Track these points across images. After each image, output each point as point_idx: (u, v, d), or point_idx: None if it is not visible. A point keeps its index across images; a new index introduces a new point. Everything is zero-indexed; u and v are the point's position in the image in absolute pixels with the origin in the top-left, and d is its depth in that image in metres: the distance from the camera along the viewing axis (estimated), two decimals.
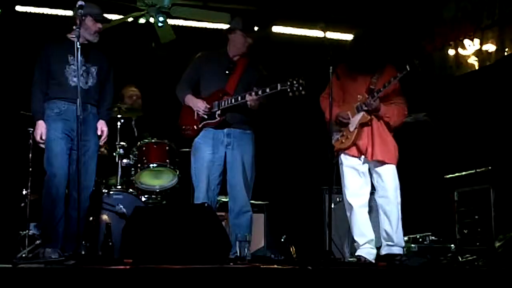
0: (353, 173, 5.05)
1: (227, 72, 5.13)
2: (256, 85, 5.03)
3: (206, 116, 5.07)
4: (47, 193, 4.83)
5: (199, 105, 5.07)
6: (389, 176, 4.96)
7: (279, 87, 4.80)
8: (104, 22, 5.03)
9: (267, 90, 4.85)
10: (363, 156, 4.98)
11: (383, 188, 4.98)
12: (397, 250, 4.94)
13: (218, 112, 5.04)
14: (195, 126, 5.14)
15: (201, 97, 5.14)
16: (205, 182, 5.04)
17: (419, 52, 7.43)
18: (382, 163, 4.95)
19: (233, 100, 4.97)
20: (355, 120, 4.98)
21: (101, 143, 5.07)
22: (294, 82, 4.74)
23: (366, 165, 5.03)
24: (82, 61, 4.78)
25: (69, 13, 5.10)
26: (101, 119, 5.07)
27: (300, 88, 4.72)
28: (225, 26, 6.89)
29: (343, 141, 5.02)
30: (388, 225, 4.94)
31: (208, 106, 5.04)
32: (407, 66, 4.81)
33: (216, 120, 5.05)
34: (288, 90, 4.76)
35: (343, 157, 5.07)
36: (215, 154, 5.06)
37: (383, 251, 4.98)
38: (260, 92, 4.87)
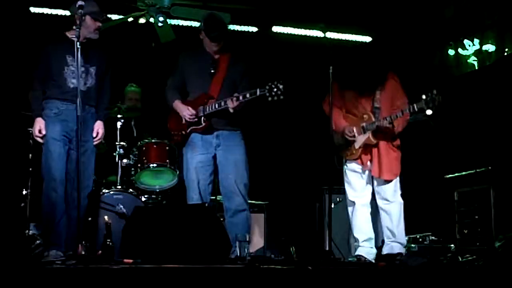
0: (356, 175, 5.11)
1: (212, 71, 5.12)
2: (240, 81, 5.08)
3: (193, 122, 5.09)
4: (47, 197, 4.84)
5: (184, 113, 5.09)
6: (389, 184, 5.02)
7: (258, 93, 4.85)
8: (103, 20, 5.02)
9: (247, 95, 4.89)
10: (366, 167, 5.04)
11: (383, 192, 5.04)
12: (398, 248, 4.96)
13: (203, 118, 5.06)
14: (183, 132, 5.17)
15: (188, 100, 5.16)
16: (196, 182, 5.07)
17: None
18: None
19: (216, 106, 4.99)
20: (361, 139, 5.03)
21: (94, 143, 5.06)
22: (273, 86, 4.78)
23: (368, 171, 5.07)
24: (81, 61, 4.78)
25: (69, 13, 5.09)
26: (98, 120, 5.07)
27: (279, 93, 4.77)
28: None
29: (348, 153, 5.11)
30: (389, 222, 4.98)
31: (194, 112, 5.05)
32: (415, 106, 4.81)
33: (202, 125, 5.07)
34: (267, 95, 4.80)
35: (347, 162, 5.14)
36: (205, 155, 5.09)
37: (385, 250, 5.00)
38: (241, 98, 4.90)
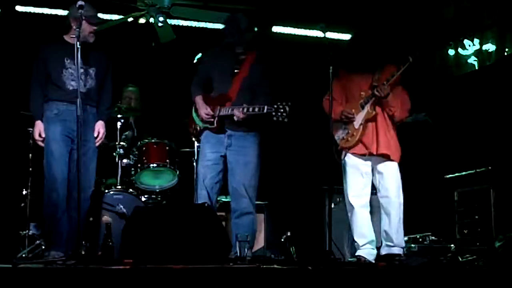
0: (356, 173, 5.06)
1: (235, 71, 5.12)
2: (260, 82, 5.08)
3: (208, 121, 5.11)
4: (49, 197, 4.83)
5: (202, 112, 5.10)
6: (391, 175, 4.98)
7: (265, 110, 4.85)
8: (99, 23, 5.01)
9: (256, 109, 4.89)
10: (367, 155, 4.99)
11: (385, 188, 4.99)
12: (397, 251, 4.94)
13: (216, 119, 5.07)
14: (197, 127, 5.20)
15: (209, 97, 5.15)
16: (202, 179, 5.07)
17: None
18: (386, 159, 4.96)
19: (229, 111, 5.00)
20: (360, 117, 5.00)
21: (96, 144, 5.06)
22: (280, 107, 4.79)
23: (369, 164, 5.04)
24: (80, 63, 4.77)
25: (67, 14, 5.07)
26: (100, 120, 5.07)
27: (284, 115, 4.79)
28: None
29: (349, 139, 5.04)
30: (388, 226, 4.94)
31: (211, 113, 5.06)
32: (410, 58, 4.85)
33: (214, 126, 5.09)
34: (273, 114, 4.81)
35: (347, 157, 5.08)
36: (214, 154, 5.08)
37: (383, 251, 4.98)
38: (250, 110, 4.92)
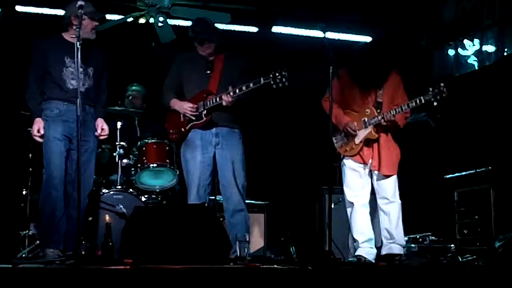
0: (355, 174, 5.08)
1: (207, 72, 5.14)
2: (238, 78, 5.06)
3: (193, 118, 5.08)
4: (47, 194, 4.83)
5: (185, 107, 5.09)
6: (389, 182, 5.02)
7: (262, 81, 4.83)
8: (99, 19, 5.00)
9: (251, 85, 4.87)
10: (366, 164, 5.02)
11: (383, 190, 5.03)
12: (398, 249, 4.95)
13: (204, 112, 5.06)
14: (182, 129, 5.18)
15: (186, 99, 5.16)
16: (196, 182, 5.08)
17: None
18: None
19: (217, 99, 4.99)
20: (362, 134, 5.02)
21: (101, 138, 5.05)
22: (277, 74, 4.77)
23: (368, 168, 5.05)
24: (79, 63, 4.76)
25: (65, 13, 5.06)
26: (99, 117, 5.06)
27: (283, 80, 4.76)
28: (224, 26, 6.93)
29: (347, 149, 5.09)
30: (388, 223, 4.97)
31: (195, 105, 5.06)
32: (422, 99, 4.87)
33: (203, 120, 5.07)
34: (272, 82, 4.79)
35: (345, 160, 5.10)
36: (205, 155, 5.09)
37: (384, 251, 4.99)
38: (237, 91, 4.90)
